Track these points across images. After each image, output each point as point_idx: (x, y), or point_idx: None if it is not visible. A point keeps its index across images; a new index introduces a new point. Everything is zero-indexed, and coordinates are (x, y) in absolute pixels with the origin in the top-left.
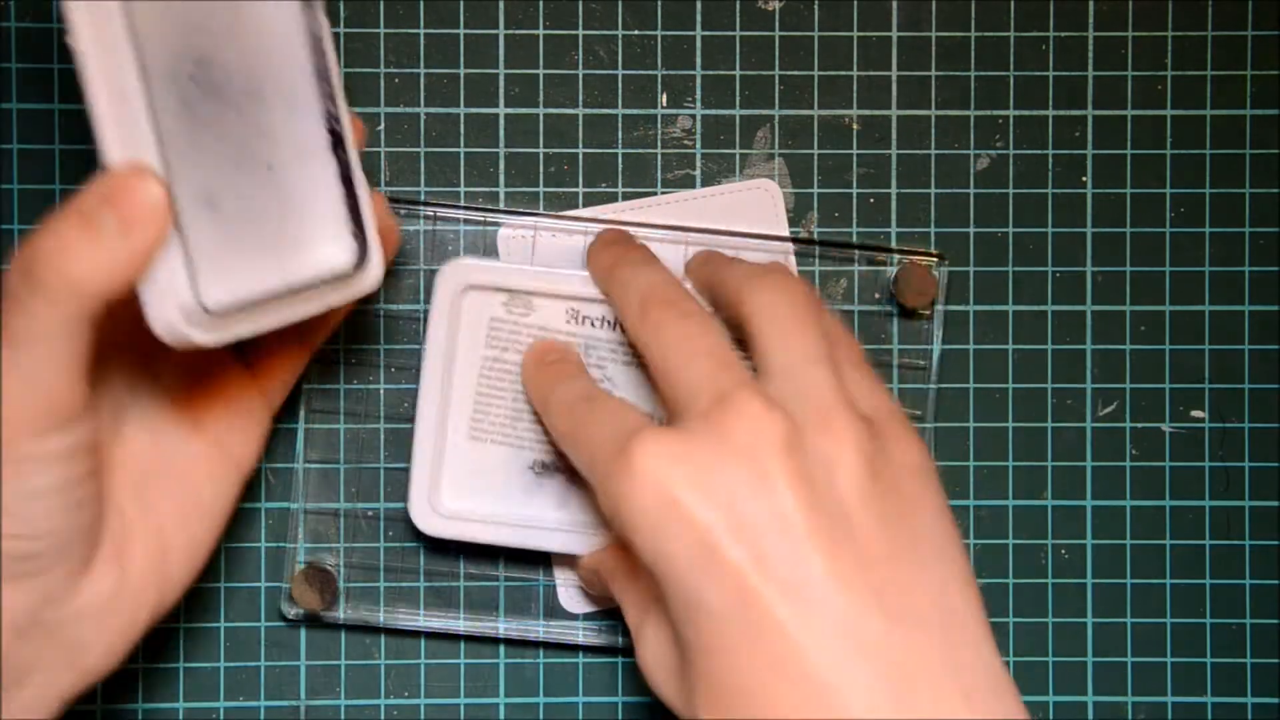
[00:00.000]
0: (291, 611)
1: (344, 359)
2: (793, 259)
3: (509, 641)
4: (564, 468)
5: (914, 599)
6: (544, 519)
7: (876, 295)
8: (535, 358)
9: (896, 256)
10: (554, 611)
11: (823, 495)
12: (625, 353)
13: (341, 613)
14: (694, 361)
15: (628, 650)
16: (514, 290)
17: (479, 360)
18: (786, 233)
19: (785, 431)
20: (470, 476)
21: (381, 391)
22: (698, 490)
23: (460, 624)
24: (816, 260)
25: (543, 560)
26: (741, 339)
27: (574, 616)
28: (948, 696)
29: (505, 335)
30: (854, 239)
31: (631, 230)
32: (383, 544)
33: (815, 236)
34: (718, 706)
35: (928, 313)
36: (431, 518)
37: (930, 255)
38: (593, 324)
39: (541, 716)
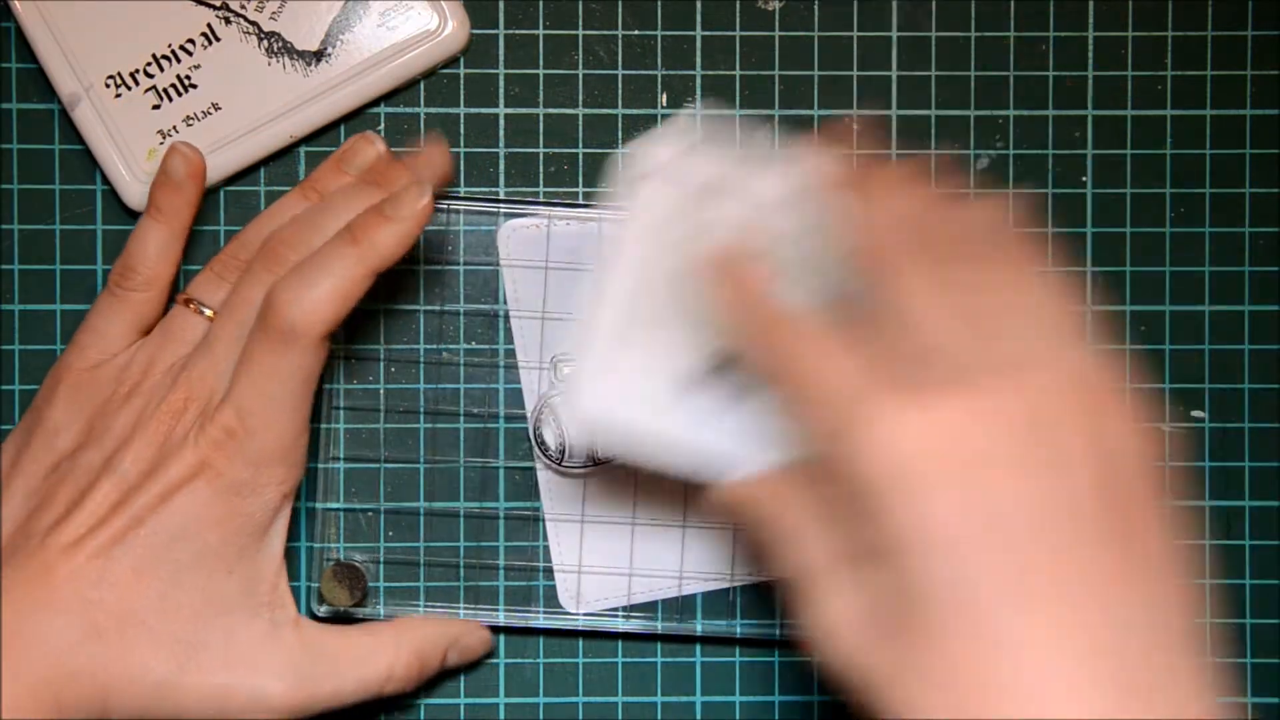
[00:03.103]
0: (321, 610)
1: (345, 359)
2: None
3: (525, 631)
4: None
5: (1138, 614)
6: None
7: None
8: (726, 268)
9: None
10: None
11: (1101, 490)
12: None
13: (382, 608)
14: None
15: (628, 637)
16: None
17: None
18: None
19: (1034, 415)
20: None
21: (382, 392)
22: (957, 469)
23: (460, 613)
24: None
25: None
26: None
27: (573, 615)
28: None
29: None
30: None
31: None
32: (383, 543)
33: None
34: (935, 684)
35: None
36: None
37: None
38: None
39: (541, 716)
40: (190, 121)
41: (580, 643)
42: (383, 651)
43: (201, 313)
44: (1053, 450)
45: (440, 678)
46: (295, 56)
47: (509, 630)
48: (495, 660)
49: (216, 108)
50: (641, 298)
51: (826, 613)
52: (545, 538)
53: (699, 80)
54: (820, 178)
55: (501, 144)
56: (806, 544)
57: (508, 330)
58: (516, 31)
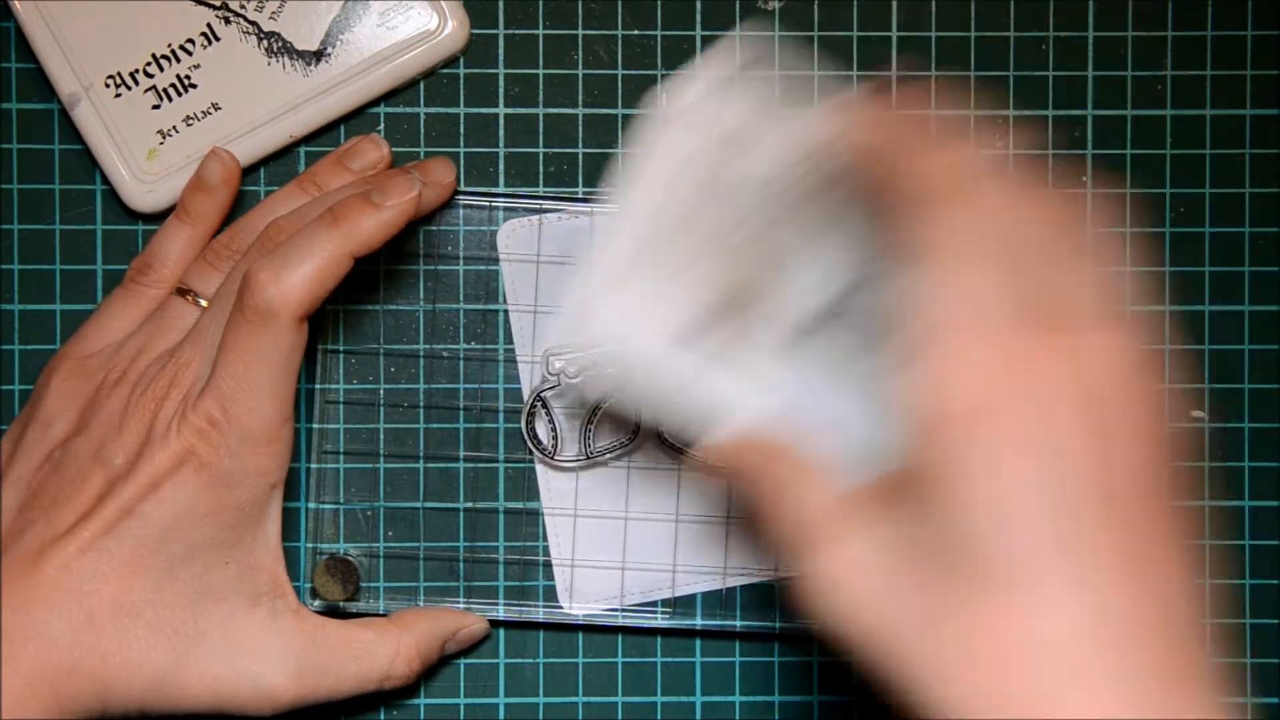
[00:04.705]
0: (315, 604)
1: (345, 359)
2: None
3: (524, 625)
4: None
5: (1157, 604)
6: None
7: None
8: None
9: None
10: (553, 598)
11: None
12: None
13: (381, 605)
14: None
15: (627, 631)
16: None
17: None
18: None
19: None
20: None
21: (381, 390)
22: (1032, 427)
23: (461, 605)
24: None
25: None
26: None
27: (574, 617)
28: (1173, 685)
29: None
30: None
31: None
32: (382, 542)
33: None
34: (958, 642)
35: None
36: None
37: None
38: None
39: (541, 716)
40: (190, 121)
41: (580, 642)
42: (384, 647)
43: (198, 303)
44: (1105, 426)
45: (438, 666)
46: (295, 56)
47: (508, 626)
48: (495, 660)
49: (216, 108)
50: (655, 234)
51: (836, 558)
52: (544, 535)
53: None
54: (854, 133)
55: (501, 144)
56: (810, 488)
57: (507, 328)
58: (516, 31)
